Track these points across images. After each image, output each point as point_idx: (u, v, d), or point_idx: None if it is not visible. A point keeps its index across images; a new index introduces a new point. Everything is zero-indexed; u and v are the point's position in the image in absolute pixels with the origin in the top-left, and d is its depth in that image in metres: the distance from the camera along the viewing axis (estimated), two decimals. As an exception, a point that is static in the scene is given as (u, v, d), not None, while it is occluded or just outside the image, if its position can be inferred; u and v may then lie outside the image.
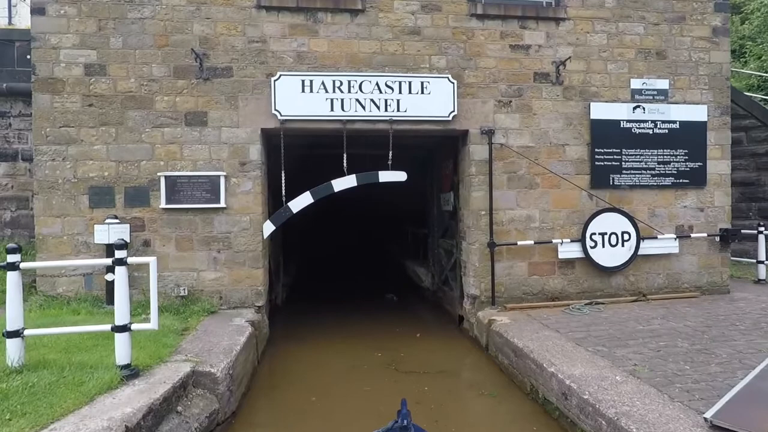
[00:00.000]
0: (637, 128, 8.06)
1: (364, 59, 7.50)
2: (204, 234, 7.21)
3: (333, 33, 7.46)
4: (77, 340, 5.17)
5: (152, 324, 4.45)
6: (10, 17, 10.96)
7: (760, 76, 15.42)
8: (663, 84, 8.13)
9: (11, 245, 4.31)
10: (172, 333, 5.76)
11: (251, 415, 5.21)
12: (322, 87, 7.31)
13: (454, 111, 7.56)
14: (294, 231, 13.00)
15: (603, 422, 3.97)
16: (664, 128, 8.12)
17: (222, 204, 7.19)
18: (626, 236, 7.90)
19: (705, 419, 3.60)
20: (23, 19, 10.07)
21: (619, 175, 8.01)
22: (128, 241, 6.84)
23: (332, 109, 7.33)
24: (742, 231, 8.82)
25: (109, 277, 6.62)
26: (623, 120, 8.02)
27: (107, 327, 4.40)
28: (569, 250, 7.81)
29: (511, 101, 7.79)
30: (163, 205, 7.11)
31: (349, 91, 7.36)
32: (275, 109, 7.24)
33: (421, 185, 11.45)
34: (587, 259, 7.83)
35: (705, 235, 8.20)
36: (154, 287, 4.45)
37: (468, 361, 6.97)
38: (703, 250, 8.26)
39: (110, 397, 3.93)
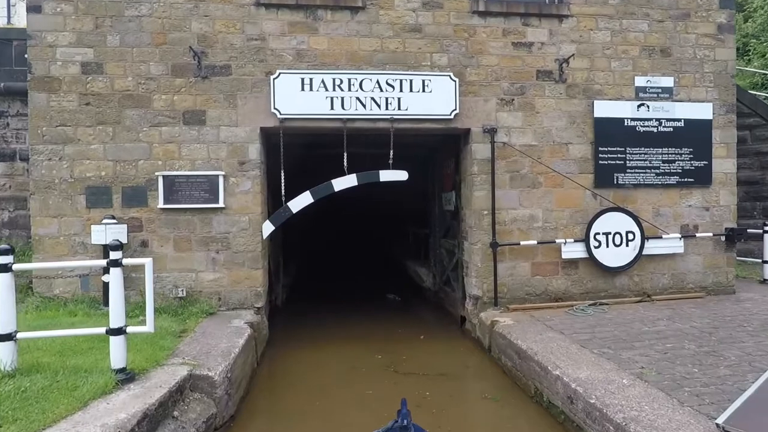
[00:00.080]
0: (641, 126, 7.95)
1: (364, 57, 7.40)
2: (202, 234, 7.12)
3: (333, 30, 7.36)
4: (72, 342, 5.07)
5: (148, 327, 4.35)
6: (9, 16, 10.88)
7: (764, 74, 15.30)
8: (668, 82, 8.02)
9: (3, 246, 4.22)
10: (170, 335, 5.66)
11: (250, 419, 5.11)
12: (322, 85, 7.21)
13: (455, 109, 7.45)
14: (294, 231, 12.90)
15: (611, 427, 3.86)
16: (668, 126, 8.01)
17: (221, 204, 7.10)
18: (630, 236, 7.79)
19: (717, 425, 3.49)
20: (22, 19, 9.97)
21: (623, 174, 7.90)
22: (126, 241, 6.77)
23: (332, 108, 7.23)
24: (748, 230, 8.71)
25: (106, 278, 6.49)
26: (627, 118, 7.91)
27: (102, 330, 4.30)
28: (573, 250, 7.70)
29: (513, 99, 7.69)
30: (161, 205, 7.02)
31: (350, 90, 7.26)
32: (274, 108, 7.14)
33: (422, 184, 11.36)
34: (591, 259, 7.73)
35: (710, 234, 8.09)
36: (149, 289, 4.35)
37: (470, 363, 6.86)
38: (709, 249, 8.15)
39: (104, 402, 3.84)
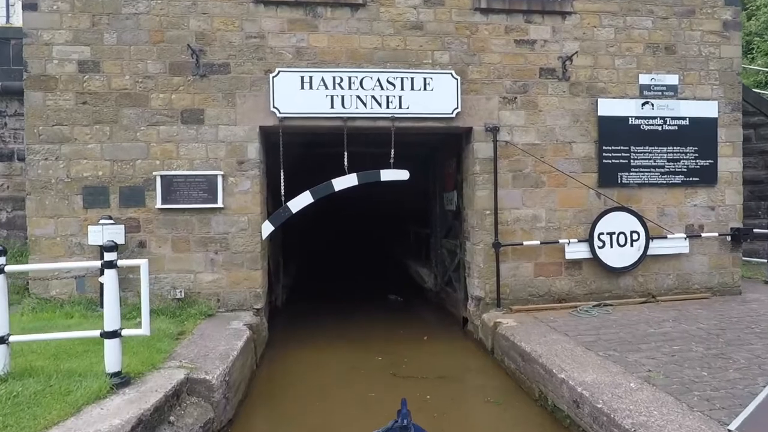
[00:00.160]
0: (645, 125, 7.84)
1: (365, 55, 7.30)
2: (201, 235, 7.02)
3: (333, 28, 7.26)
4: (67, 345, 4.97)
5: (143, 330, 4.25)
6: (8, 16, 10.81)
7: (767, 72, 15.17)
8: (672, 79, 7.91)
9: (-5, 248, 4.12)
10: (167, 337, 5.57)
11: (248, 423, 5.01)
12: (321, 83, 7.11)
13: (457, 108, 7.35)
14: (294, 231, 12.80)
15: (618, 433, 3.76)
16: (673, 125, 7.90)
17: (219, 204, 7.00)
18: (635, 236, 7.68)
19: (729, 431, 3.39)
20: (21, 18, 9.90)
21: (627, 173, 7.79)
22: (123, 242, 6.67)
23: (332, 107, 7.13)
24: (754, 230, 8.59)
25: (102, 279, 6.42)
26: (631, 116, 7.80)
27: (96, 333, 4.20)
28: (576, 251, 7.60)
29: (516, 97, 7.58)
30: (158, 205, 6.92)
31: (350, 88, 7.16)
32: (274, 107, 7.04)
33: (423, 184, 11.26)
34: (595, 259, 7.62)
35: (716, 234, 7.98)
36: (145, 291, 4.24)
37: (472, 365, 6.75)
38: (714, 249, 8.04)
39: (98, 408, 3.74)
